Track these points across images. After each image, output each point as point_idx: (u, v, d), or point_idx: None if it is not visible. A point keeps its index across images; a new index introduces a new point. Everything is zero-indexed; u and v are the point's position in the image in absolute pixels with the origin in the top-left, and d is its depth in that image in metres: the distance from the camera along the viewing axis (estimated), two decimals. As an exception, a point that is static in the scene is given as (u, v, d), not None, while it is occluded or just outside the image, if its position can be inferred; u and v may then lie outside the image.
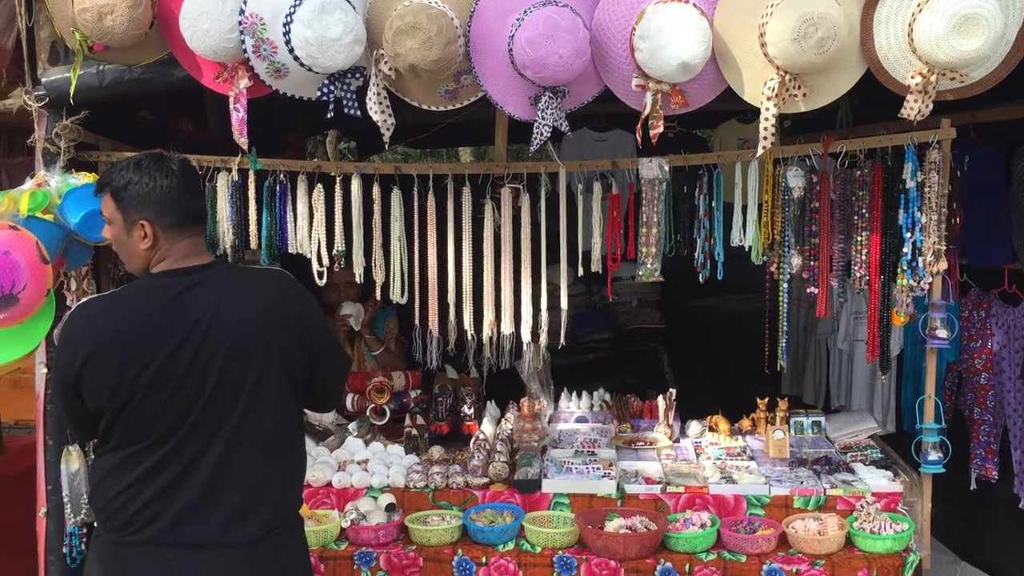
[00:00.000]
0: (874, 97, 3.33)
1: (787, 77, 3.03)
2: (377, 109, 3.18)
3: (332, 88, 3.13)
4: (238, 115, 3.21)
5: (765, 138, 3.10)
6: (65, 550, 3.54)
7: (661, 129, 3.14)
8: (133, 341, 2.40)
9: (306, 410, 3.95)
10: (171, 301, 2.45)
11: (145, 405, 2.41)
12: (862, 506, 3.49)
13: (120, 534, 2.46)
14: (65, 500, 3.54)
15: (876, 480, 3.62)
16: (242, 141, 3.27)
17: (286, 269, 4.65)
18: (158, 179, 2.48)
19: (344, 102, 3.15)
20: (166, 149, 2.62)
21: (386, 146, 3.36)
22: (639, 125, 3.20)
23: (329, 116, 3.19)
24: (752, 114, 5.47)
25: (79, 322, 2.49)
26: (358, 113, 3.18)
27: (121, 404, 2.41)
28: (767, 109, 3.06)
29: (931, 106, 3.03)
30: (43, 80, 3.49)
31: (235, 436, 2.46)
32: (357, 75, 3.15)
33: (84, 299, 2.74)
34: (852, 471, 3.74)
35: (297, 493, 2.68)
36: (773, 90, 3.03)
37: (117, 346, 2.40)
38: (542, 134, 3.18)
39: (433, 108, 3.37)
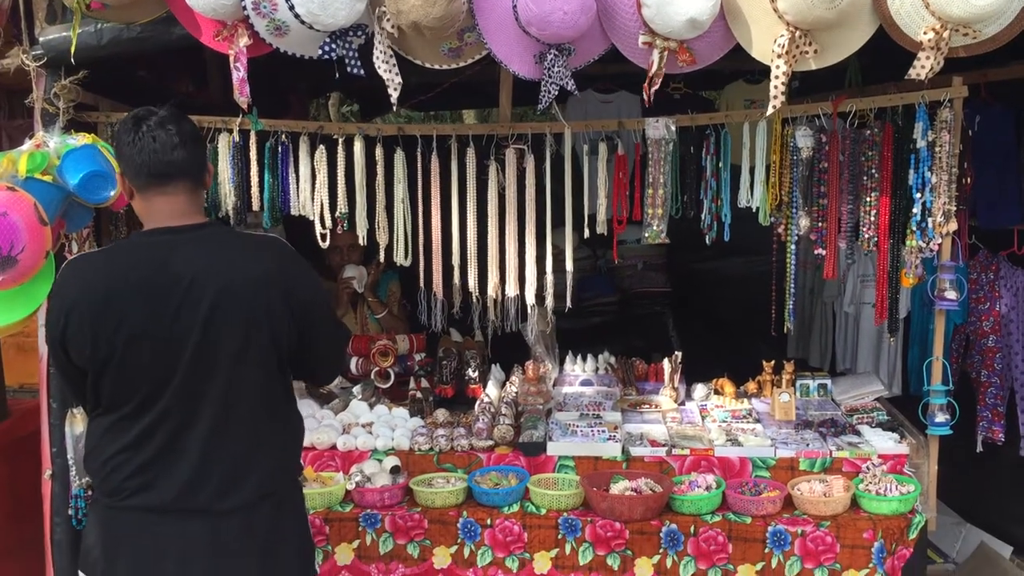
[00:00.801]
0: (884, 56, 3.27)
1: (798, 33, 2.96)
2: (384, 68, 3.13)
3: (334, 46, 3.07)
4: (238, 74, 3.16)
5: (775, 97, 3.03)
6: (70, 512, 3.54)
7: (658, 85, 3.08)
8: (113, 297, 2.39)
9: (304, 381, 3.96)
10: (154, 259, 2.43)
11: (126, 364, 2.40)
12: (868, 468, 3.48)
13: (113, 499, 2.47)
14: (70, 462, 3.54)
15: (882, 442, 3.61)
16: (242, 100, 3.22)
17: (288, 231, 4.66)
18: (133, 135, 2.45)
19: (346, 60, 3.10)
20: (158, 106, 2.57)
21: (394, 107, 3.29)
22: (646, 83, 3.14)
23: (336, 77, 3.13)
24: (759, 75, 5.48)
25: (65, 278, 2.50)
26: (362, 72, 3.13)
27: (102, 361, 2.40)
28: (777, 67, 3.00)
29: (942, 63, 2.97)
30: (41, 39, 3.43)
31: (222, 401, 2.43)
32: (359, 33, 3.10)
33: (73, 256, 2.73)
34: (858, 433, 3.72)
35: (290, 461, 2.63)
36: (783, 47, 2.96)
37: (98, 302, 2.40)
38: (550, 92, 3.13)
39: (436, 67, 3.31)
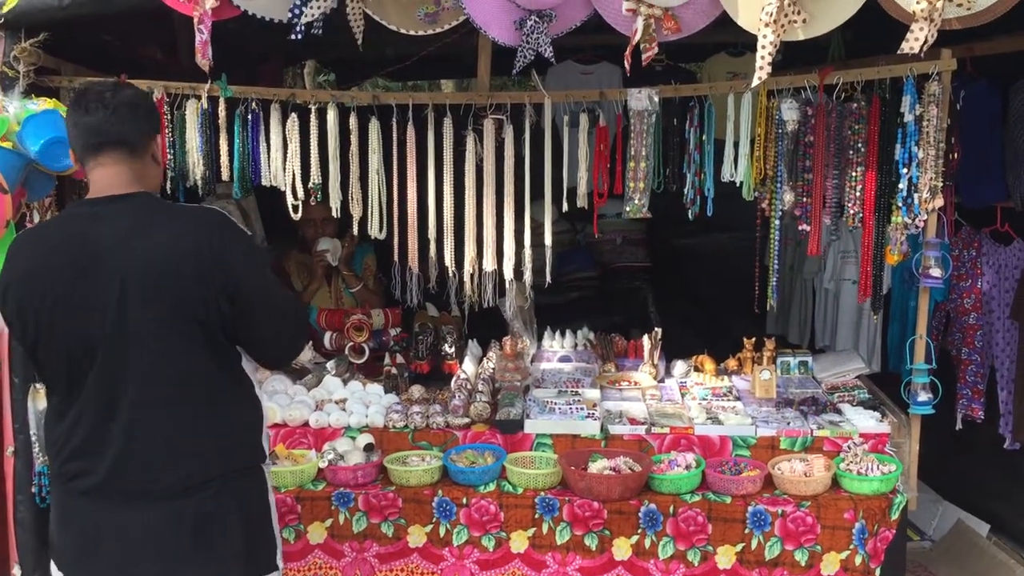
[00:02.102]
0: (868, 31, 3.20)
1: (786, 1, 2.88)
2: (350, 17, 3.03)
3: (303, 9, 2.96)
4: (201, 37, 3.05)
5: (761, 68, 2.95)
6: (34, 490, 3.46)
7: (655, 51, 3.00)
8: (38, 274, 2.35)
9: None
10: (75, 233, 2.36)
11: (53, 343, 2.35)
12: (849, 447, 3.44)
13: (58, 482, 2.44)
14: (33, 439, 3.45)
15: (863, 421, 3.57)
16: (204, 63, 3.11)
17: (260, 202, 4.54)
18: (75, 106, 2.42)
19: (314, 24, 2.99)
20: (118, 76, 2.52)
21: (359, 48, 3.14)
22: (627, 52, 3.05)
23: (298, 37, 3.02)
24: (742, 47, 5.40)
25: (8, 253, 2.44)
26: (320, 32, 3.02)
27: (32, 340, 2.36)
28: (764, 36, 2.91)
29: (935, 35, 2.89)
30: (-1, 0, 3.30)
31: (144, 382, 2.34)
32: (330, -6, 2.99)
33: (24, 229, 2.68)
34: (839, 412, 3.69)
35: (234, 450, 2.47)
36: (771, 15, 2.88)
37: (26, 279, 2.35)
38: (526, 57, 3.05)
39: (412, 33, 3.22)
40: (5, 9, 3.20)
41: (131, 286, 2.30)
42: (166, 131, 3.56)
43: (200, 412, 2.41)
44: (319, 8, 2.99)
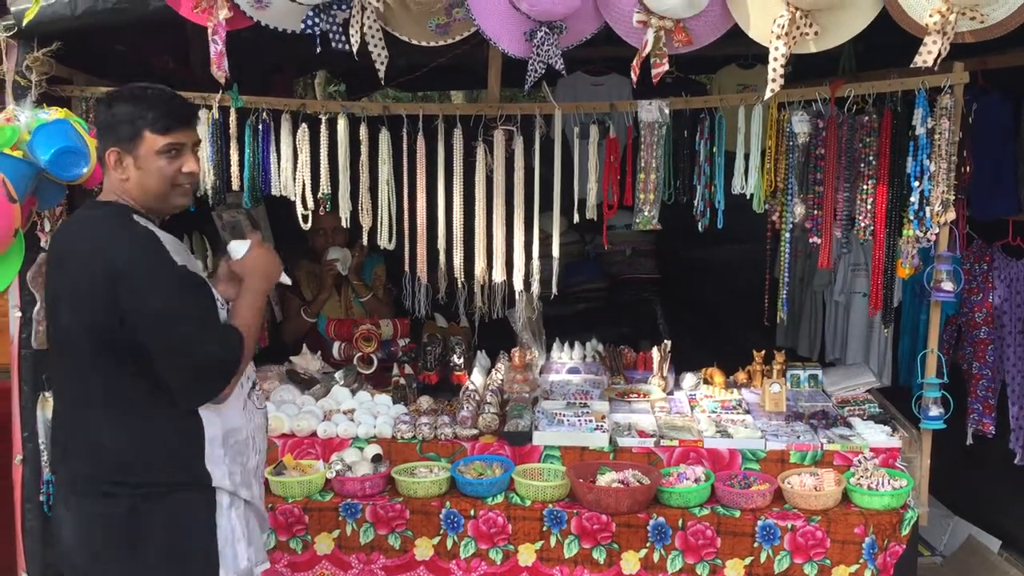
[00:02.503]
0: (879, 43, 3.19)
1: (798, 13, 2.88)
2: (370, 42, 3.02)
3: (317, 20, 2.97)
4: (216, 48, 3.06)
5: (773, 80, 2.95)
6: (42, 497, 3.46)
7: (665, 67, 2.99)
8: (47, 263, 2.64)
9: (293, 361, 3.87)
10: (60, 232, 2.66)
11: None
12: (859, 461, 3.42)
13: None
14: (42, 447, 3.45)
15: (874, 435, 3.55)
16: (219, 74, 3.12)
17: (270, 212, 4.55)
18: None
19: (330, 35, 3.00)
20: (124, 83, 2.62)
21: (381, 82, 3.20)
22: (635, 63, 3.04)
23: (317, 51, 3.03)
24: (753, 59, 5.40)
25: None
26: (346, 47, 3.03)
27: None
28: (776, 48, 2.91)
29: (948, 49, 2.88)
30: (12, 9, 3.32)
31: (75, 386, 2.49)
32: (343, 6, 3.00)
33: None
34: (850, 426, 3.66)
35: (156, 460, 2.47)
36: (783, 27, 2.88)
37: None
38: (536, 71, 3.05)
39: (424, 44, 3.22)
40: (26, 20, 3.21)
41: (56, 297, 2.50)
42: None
43: (116, 421, 2.47)
44: (334, 19, 2.99)
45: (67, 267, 2.45)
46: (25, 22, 3.23)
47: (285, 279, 2.78)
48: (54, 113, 3.15)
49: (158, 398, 2.45)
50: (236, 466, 2.57)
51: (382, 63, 3.09)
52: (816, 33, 2.94)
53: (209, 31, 3.08)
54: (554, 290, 3.79)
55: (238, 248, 2.68)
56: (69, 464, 2.52)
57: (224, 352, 2.46)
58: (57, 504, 2.60)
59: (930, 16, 2.82)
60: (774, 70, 2.94)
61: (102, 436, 2.47)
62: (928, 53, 2.86)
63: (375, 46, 3.07)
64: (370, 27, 3.05)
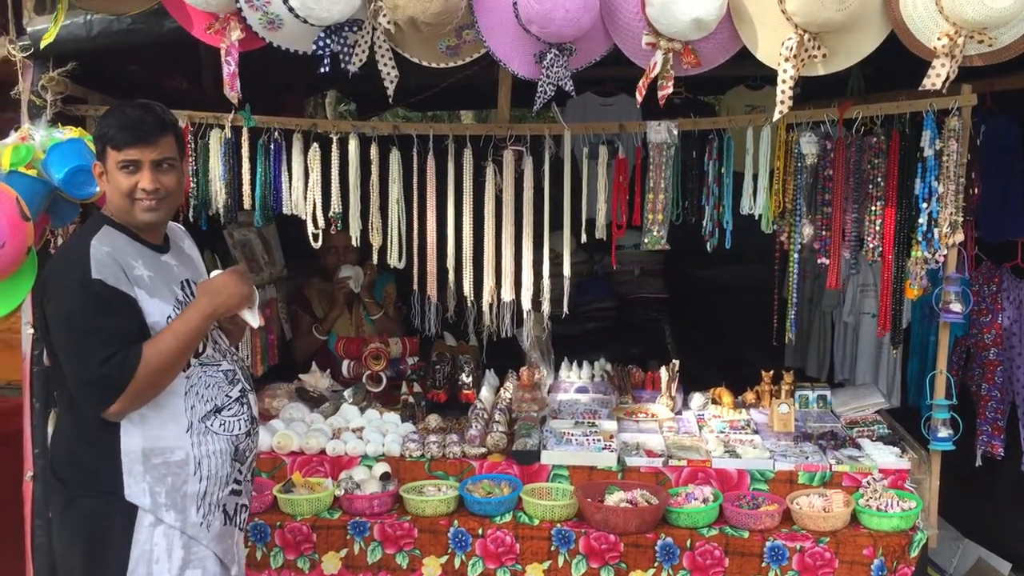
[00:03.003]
0: (888, 65, 3.21)
1: (806, 36, 2.89)
2: (380, 60, 3.05)
3: (328, 41, 3.00)
4: (229, 68, 3.09)
5: (782, 102, 2.96)
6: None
7: (670, 90, 3.01)
8: None
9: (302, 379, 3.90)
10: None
11: None
12: (868, 483, 3.41)
13: None
14: (52, 464, 3.46)
15: (883, 456, 3.55)
16: (232, 95, 3.15)
17: (281, 231, 4.57)
18: None
19: (341, 56, 3.03)
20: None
21: (389, 99, 3.21)
22: (641, 84, 3.05)
23: (324, 71, 3.06)
24: (761, 80, 5.42)
25: None
26: (355, 68, 3.06)
27: None
28: (784, 71, 2.92)
29: (956, 71, 2.89)
30: (29, 29, 3.36)
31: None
32: (354, 28, 3.02)
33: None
34: (858, 447, 3.66)
35: (76, 465, 2.61)
36: (791, 50, 2.89)
37: None
38: (546, 92, 3.07)
39: (434, 65, 3.24)
40: (44, 43, 3.25)
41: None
42: (190, 159, 3.60)
43: (62, 423, 2.72)
44: (345, 40, 3.01)
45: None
46: (43, 44, 3.26)
47: (252, 318, 2.73)
48: (69, 132, 3.19)
49: (69, 407, 2.66)
50: (161, 486, 2.56)
51: (391, 81, 3.12)
52: (824, 56, 2.95)
53: (222, 52, 3.11)
54: (565, 309, 3.80)
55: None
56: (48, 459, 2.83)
57: (103, 370, 2.45)
58: None
59: (939, 39, 2.84)
60: (782, 92, 2.95)
61: (56, 433, 2.78)
62: (937, 76, 2.87)
63: (385, 64, 3.10)
64: (380, 46, 3.08)
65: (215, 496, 2.64)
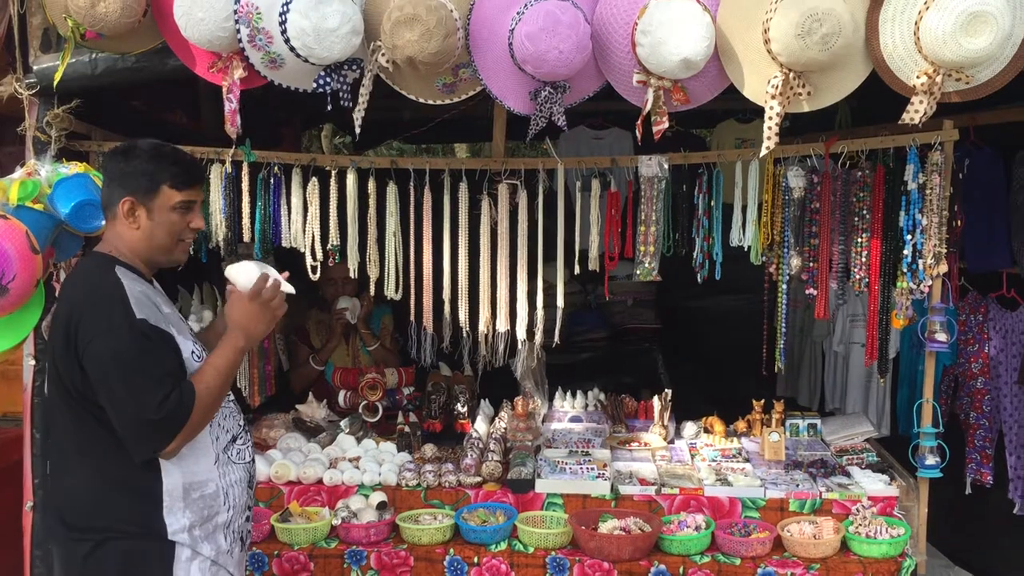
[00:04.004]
0: (874, 99, 3.30)
1: (791, 75, 2.99)
2: (360, 101, 3.14)
3: (328, 80, 3.08)
4: (230, 105, 3.16)
5: (769, 138, 3.05)
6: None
7: (665, 125, 3.10)
8: None
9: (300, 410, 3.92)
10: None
11: None
12: (858, 510, 3.46)
13: None
14: (52, 494, 3.49)
15: (872, 484, 3.59)
16: (232, 131, 3.22)
17: (279, 263, 4.65)
18: None
19: (340, 94, 3.11)
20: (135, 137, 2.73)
21: (356, 136, 3.28)
22: (639, 121, 3.15)
23: (328, 109, 3.13)
24: (751, 114, 5.52)
25: None
26: (358, 112, 3.14)
27: None
28: (771, 108, 3.01)
29: (935, 108, 2.99)
30: (34, 68, 3.44)
31: (52, 434, 2.78)
32: (354, 67, 3.11)
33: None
34: (848, 474, 3.71)
35: (109, 507, 2.51)
36: (777, 88, 2.98)
37: None
38: (538, 124, 3.15)
39: (430, 102, 3.33)
40: (55, 81, 3.33)
41: (49, 343, 2.68)
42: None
43: (82, 468, 2.55)
44: (345, 78, 3.09)
45: (54, 315, 2.64)
46: (55, 83, 3.34)
47: (288, 288, 2.70)
48: (73, 167, 3.25)
49: (120, 447, 2.49)
50: (198, 520, 2.57)
51: (358, 124, 3.18)
52: (809, 93, 3.04)
53: (224, 90, 3.18)
54: (556, 339, 3.86)
55: (235, 273, 2.66)
56: (48, 509, 2.70)
57: (164, 410, 2.42)
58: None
59: (918, 78, 2.93)
60: (769, 128, 3.04)
61: (70, 482, 2.55)
62: (915, 112, 2.97)
63: (360, 105, 3.17)
64: (366, 85, 3.15)
65: (237, 524, 2.68)
